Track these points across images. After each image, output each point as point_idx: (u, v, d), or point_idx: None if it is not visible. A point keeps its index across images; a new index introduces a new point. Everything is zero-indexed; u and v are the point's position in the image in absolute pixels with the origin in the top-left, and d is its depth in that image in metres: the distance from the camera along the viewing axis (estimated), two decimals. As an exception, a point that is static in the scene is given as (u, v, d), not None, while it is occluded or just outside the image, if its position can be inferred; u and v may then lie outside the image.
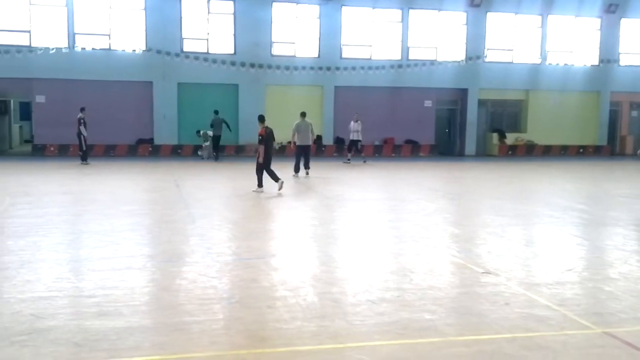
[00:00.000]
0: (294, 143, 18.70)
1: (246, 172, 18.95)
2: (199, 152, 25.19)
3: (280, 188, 14.68)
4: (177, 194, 14.06)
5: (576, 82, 31.12)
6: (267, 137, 14.73)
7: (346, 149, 25.25)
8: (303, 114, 19.06)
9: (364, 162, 23.14)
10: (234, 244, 8.77)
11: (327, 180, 17.34)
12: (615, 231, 10.32)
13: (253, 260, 7.73)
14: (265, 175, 14.88)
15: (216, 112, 25.06)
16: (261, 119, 15.02)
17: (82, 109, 22.97)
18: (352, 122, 24.52)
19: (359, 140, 24.30)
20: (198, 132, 25.78)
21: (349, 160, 24.58)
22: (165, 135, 27.37)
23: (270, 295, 6.43)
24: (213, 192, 14.60)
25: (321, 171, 20.25)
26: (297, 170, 18.40)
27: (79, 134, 22.64)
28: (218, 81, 27.24)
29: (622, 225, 10.94)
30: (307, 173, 18.53)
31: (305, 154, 18.82)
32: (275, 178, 14.61)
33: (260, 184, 14.76)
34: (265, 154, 14.64)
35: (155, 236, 9.38)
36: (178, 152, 27.35)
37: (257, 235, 9.39)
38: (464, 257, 8.11)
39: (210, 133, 24.95)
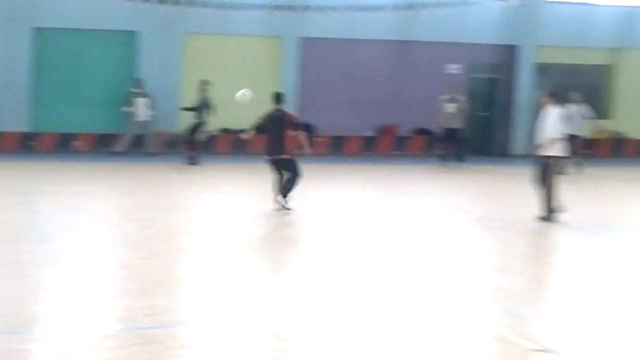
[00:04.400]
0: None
1: (151, 178, 18.14)
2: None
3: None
4: (27, 217, 12.84)
5: None
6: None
7: None
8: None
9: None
10: (122, 303, 7.67)
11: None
12: None
13: (154, 330, 6.76)
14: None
15: (136, 83, 22.64)
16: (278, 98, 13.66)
17: None
18: None
19: None
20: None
21: None
22: (8, 117, 23.66)
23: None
24: (90, 215, 13.11)
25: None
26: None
27: None
28: (103, 26, 23.85)
29: None
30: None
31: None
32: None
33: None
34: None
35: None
36: (30, 146, 23.88)
37: (161, 288, 8.25)
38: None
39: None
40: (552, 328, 6.82)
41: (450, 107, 21.74)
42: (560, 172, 11.75)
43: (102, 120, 23.70)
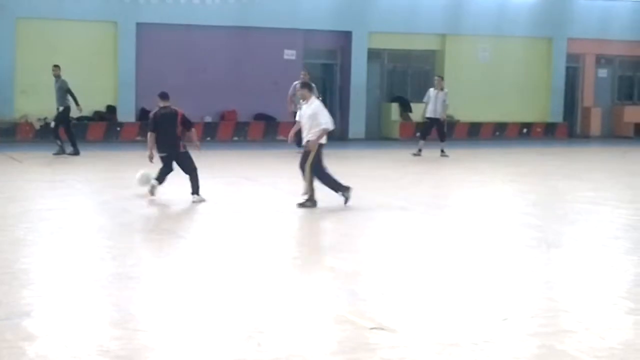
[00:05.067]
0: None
1: None
2: None
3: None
4: None
5: (517, 23, 28.27)
6: None
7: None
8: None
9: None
10: None
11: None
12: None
13: None
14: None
15: None
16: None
17: None
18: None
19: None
20: None
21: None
22: None
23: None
24: None
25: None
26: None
27: None
28: None
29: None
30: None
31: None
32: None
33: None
34: None
35: None
36: None
37: (1, 279, 7.91)
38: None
39: None
40: (387, 306, 6.89)
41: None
42: (318, 159, 11.80)
43: None
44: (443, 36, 27.21)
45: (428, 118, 20.40)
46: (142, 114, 23.73)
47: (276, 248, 9.40)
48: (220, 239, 9.92)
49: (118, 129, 23.53)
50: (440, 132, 20.52)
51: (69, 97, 18.96)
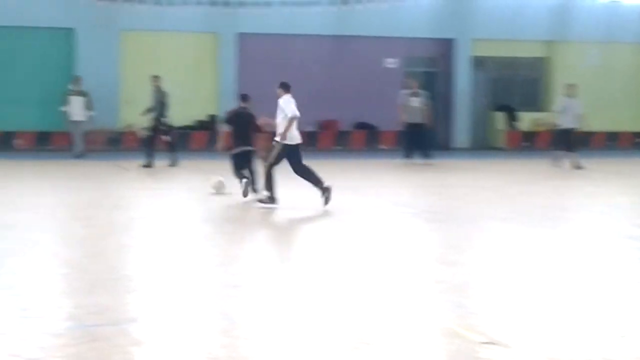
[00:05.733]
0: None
1: (95, 177, 17.44)
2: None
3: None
4: None
5: (627, 29, 27.47)
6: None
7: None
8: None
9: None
10: (69, 301, 7.49)
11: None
12: None
13: (102, 328, 6.58)
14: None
15: (73, 81, 21.60)
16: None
17: None
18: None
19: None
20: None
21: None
22: None
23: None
24: (32, 212, 12.77)
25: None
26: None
27: None
28: (40, 23, 23.59)
29: None
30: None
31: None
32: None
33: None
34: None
35: None
36: None
37: (108, 285, 8.05)
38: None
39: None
40: (499, 320, 6.74)
41: (414, 102, 21.27)
42: (272, 159, 12.21)
43: (42, 118, 23.13)
44: (549, 43, 27.08)
45: (563, 128, 20.07)
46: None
47: (382, 258, 9.36)
48: (326, 249, 9.95)
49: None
50: (569, 142, 20.02)
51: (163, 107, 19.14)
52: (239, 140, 14.01)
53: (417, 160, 20.22)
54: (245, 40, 24.62)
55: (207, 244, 10.18)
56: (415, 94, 21.14)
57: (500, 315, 6.83)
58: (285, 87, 13.12)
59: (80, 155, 20.35)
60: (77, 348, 6.01)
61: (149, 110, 18.88)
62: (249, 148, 13.94)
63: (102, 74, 23.03)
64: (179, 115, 21.22)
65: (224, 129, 14.24)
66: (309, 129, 24.40)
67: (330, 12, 24.85)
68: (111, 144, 22.78)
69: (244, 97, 14.81)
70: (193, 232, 10.94)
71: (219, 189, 13.61)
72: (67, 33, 23.69)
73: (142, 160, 17.72)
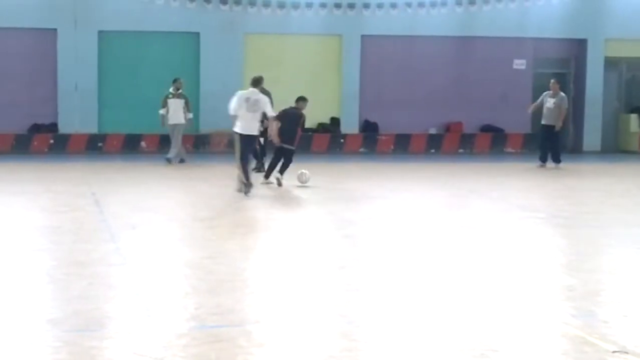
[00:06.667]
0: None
1: (213, 178, 18.25)
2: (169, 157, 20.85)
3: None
4: (98, 217, 12.98)
5: None
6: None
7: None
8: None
9: None
10: (192, 302, 7.66)
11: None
12: None
13: (224, 329, 6.75)
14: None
15: (175, 83, 21.23)
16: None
17: None
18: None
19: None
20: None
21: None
22: (77, 118, 24.03)
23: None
24: (158, 214, 13.26)
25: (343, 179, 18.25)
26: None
27: None
28: (166, 28, 23.97)
29: None
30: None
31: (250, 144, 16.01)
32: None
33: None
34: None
35: (62, 288, 8.31)
36: (98, 147, 24.07)
37: (230, 286, 8.21)
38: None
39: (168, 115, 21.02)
40: (631, 329, 6.64)
41: (550, 102, 20.69)
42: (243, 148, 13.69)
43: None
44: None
45: None
46: (366, 126, 24.45)
47: (510, 264, 9.30)
48: (452, 253, 9.98)
49: (341, 140, 23.88)
50: None
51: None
52: (283, 137, 15.45)
53: (549, 164, 19.84)
54: (368, 42, 24.51)
55: (327, 247, 10.32)
56: (553, 95, 20.66)
57: (633, 324, 6.69)
58: (266, 93, 14.77)
59: (177, 159, 20.26)
60: (200, 348, 6.16)
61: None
62: (288, 146, 15.57)
63: (226, 78, 23.28)
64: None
65: (274, 125, 15.43)
66: (433, 131, 24.51)
67: (457, 13, 24.25)
68: (231, 146, 22.89)
69: (299, 98, 16.42)
70: (313, 235, 11.07)
71: (305, 181, 15.01)
72: (192, 37, 24.05)
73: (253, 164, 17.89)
